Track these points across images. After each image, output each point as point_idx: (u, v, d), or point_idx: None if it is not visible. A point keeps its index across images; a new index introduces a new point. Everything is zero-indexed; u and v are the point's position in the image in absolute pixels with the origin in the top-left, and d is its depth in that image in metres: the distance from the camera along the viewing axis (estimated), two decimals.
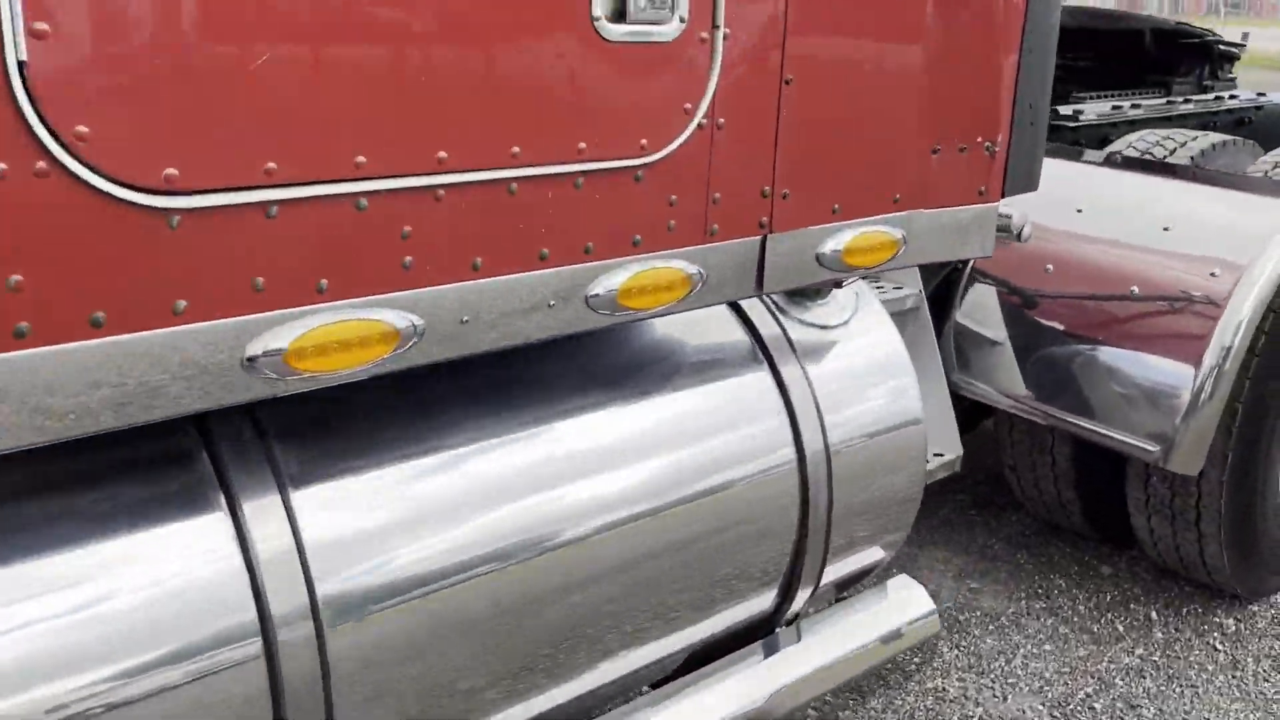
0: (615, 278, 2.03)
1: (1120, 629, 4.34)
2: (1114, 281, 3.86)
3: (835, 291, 2.86)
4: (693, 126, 2.06)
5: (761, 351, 2.66)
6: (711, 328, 2.64)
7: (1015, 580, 4.67)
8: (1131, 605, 4.48)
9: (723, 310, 2.69)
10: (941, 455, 4.04)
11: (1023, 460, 4.54)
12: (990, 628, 4.34)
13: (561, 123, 1.87)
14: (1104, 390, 3.84)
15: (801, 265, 2.36)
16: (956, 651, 4.19)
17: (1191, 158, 4.41)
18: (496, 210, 1.84)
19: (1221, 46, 5.81)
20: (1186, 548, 4.20)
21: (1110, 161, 4.18)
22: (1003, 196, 2.68)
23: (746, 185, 2.20)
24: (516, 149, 1.82)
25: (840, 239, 2.39)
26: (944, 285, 4.33)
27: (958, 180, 2.58)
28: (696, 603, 2.59)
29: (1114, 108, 5.14)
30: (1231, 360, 3.65)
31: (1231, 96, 5.81)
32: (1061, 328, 3.98)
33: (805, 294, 2.79)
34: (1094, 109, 5.07)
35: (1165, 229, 3.84)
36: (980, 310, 4.20)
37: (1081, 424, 3.91)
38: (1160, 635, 4.30)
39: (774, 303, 2.76)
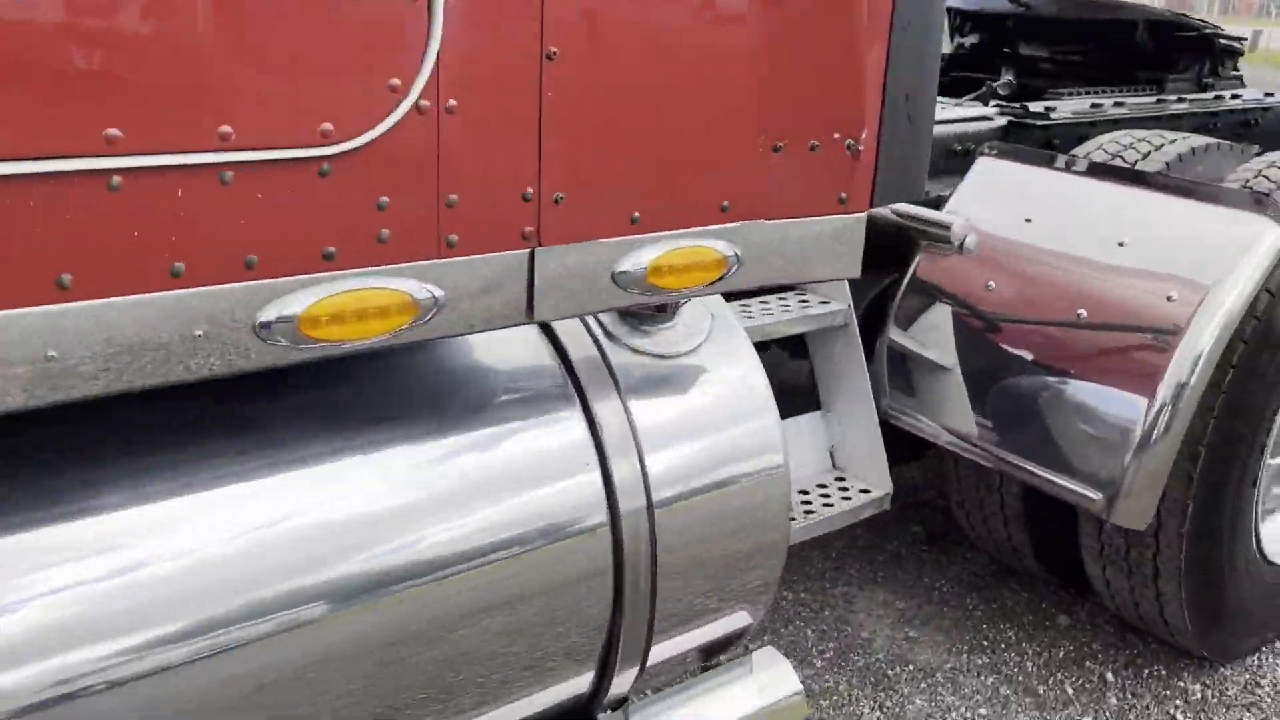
0: (296, 301, 1.58)
1: (1070, 691, 3.85)
2: (1060, 303, 3.36)
3: (682, 312, 2.39)
4: (405, 109, 1.60)
5: (572, 385, 2.20)
6: (507, 353, 2.18)
7: (960, 629, 4.19)
8: (1086, 663, 3.99)
9: (528, 332, 2.23)
10: (869, 492, 3.59)
11: (970, 497, 4.06)
12: (922, 685, 3.86)
13: (188, 99, 1.43)
14: (1044, 428, 3.34)
15: (589, 287, 1.90)
16: (879, 713, 3.72)
17: (1166, 163, 3.89)
18: (90, 211, 1.39)
19: (1223, 41, 5.26)
20: (1145, 605, 3.70)
21: (1069, 165, 3.68)
22: (872, 205, 2.21)
23: (499, 186, 1.74)
24: (114, 131, 1.38)
25: (642, 255, 1.93)
26: (879, 300, 3.86)
27: (809, 185, 2.11)
28: (495, 686, 2.15)
29: (1093, 105, 4.61)
30: (1188, 397, 3.15)
31: (1234, 96, 5.26)
32: (1002, 355, 3.48)
33: (639, 315, 2.33)
34: (1069, 106, 4.54)
35: (1120, 244, 3.34)
36: (916, 331, 3.72)
37: (1020, 464, 3.42)
38: (1114, 701, 3.80)
39: (600, 325, 2.30)
